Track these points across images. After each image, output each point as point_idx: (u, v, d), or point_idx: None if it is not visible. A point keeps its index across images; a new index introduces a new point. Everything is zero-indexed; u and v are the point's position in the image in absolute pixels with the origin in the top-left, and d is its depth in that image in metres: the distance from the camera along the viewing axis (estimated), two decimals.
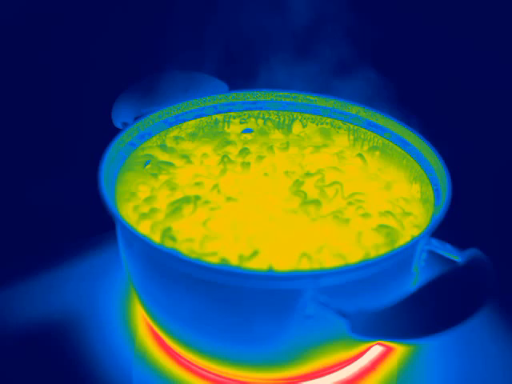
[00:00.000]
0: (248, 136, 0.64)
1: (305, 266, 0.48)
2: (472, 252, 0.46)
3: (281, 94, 0.65)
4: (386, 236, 0.51)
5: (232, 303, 0.46)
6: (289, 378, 0.50)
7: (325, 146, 0.63)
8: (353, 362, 0.52)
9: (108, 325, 0.56)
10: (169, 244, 0.50)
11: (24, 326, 0.56)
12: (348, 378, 0.52)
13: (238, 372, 0.50)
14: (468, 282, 0.44)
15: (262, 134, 0.65)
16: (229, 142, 0.62)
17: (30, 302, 0.58)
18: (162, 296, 0.50)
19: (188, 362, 0.52)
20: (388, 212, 0.54)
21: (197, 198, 0.54)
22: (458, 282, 0.43)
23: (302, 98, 0.64)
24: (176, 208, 0.52)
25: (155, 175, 0.58)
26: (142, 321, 0.56)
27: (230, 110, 0.64)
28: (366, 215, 0.54)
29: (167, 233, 0.50)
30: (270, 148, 0.62)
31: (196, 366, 0.52)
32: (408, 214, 0.55)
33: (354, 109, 0.63)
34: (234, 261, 0.48)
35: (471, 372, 0.53)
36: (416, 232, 0.53)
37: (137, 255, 0.50)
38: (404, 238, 0.52)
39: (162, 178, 0.58)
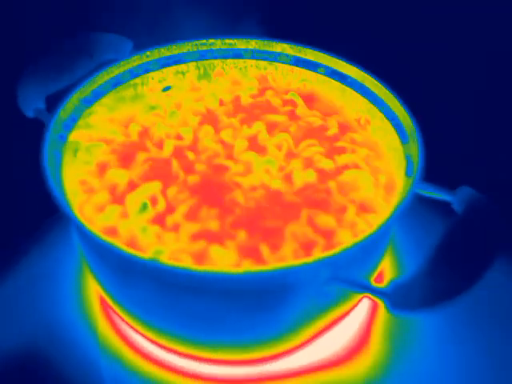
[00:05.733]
0: (168, 94, 0.59)
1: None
2: (464, 191, 0.45)
3: (197, 42, 0.59)
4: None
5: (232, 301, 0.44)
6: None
7: (250, 89, 0.59)
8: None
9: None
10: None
11: None
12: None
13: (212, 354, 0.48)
14: (477, 226, 0.43)
15: (182, 90, 0.59)
16: (153, 108, 0.57)
17: None
18: (147, 305, 0.46)
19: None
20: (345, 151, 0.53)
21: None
22: (468, 231, 0.43)
23: (220, 43, 0.59)
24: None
25: (88, 163, 0.52)
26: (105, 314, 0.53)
27: (147, 71, 0.58)
28: (327, 164, 0.52)
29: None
30: (199, 104, 0.57)
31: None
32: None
33: (279, 46, 0.59)
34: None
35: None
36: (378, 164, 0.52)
37: (109, 265, 0.46)
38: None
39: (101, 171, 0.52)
